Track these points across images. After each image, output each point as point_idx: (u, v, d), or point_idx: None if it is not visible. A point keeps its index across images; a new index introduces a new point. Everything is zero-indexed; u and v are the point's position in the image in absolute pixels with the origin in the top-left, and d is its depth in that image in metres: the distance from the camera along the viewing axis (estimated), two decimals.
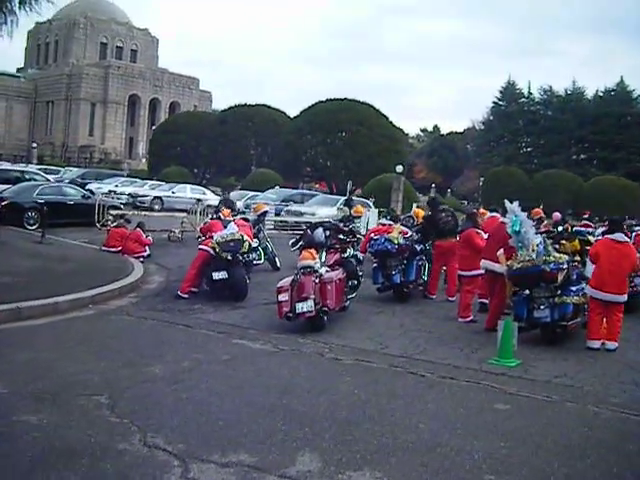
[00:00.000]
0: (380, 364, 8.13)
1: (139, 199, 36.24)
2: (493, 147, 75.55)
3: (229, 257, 12.07)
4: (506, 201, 9.89)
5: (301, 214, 28.26)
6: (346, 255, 11.90)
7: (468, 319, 11.20)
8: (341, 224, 13.06)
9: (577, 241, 12.12)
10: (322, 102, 45.61)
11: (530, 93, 76.56)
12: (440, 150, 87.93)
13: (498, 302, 10.36)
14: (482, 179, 61.74)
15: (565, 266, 9.46)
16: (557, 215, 18.07)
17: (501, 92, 78.15)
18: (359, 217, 17.50)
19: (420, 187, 67.86)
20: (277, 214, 28.06)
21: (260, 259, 16.01)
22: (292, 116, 48.84)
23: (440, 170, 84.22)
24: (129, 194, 37.04)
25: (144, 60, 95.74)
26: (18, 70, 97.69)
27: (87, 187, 40.96)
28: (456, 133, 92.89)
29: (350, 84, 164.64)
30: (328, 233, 11.66)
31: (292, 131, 45.11)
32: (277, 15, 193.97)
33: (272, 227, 24.15)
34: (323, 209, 29.02)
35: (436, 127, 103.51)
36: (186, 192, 37.55)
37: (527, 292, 9.68)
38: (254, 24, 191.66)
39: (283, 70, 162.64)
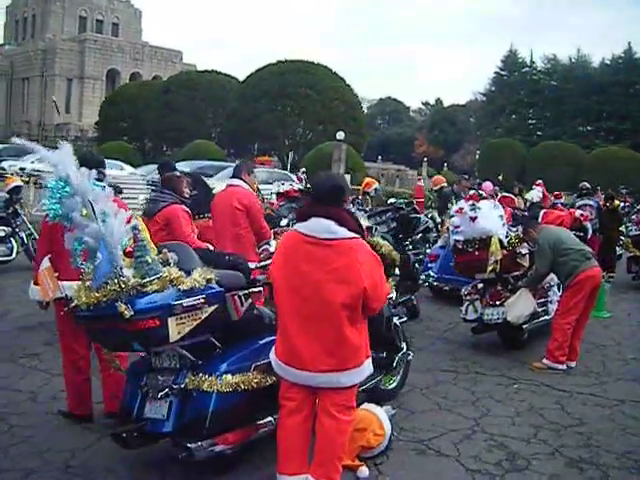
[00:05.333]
0: None
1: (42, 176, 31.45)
2: (495, 119, 69.64)
3: None
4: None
5: None
6: None
7: None
8: None
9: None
10: (272, 65, 39.44)
11: (533, 62, 70.58)
12: (441, 123, 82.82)
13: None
14: (478, 152, 56.23)
15: (200, 298, 3.72)
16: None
17: (503, 62, 72.23)
18: None
19: (420, 162, 63.10)
20: None
21: (11, 254, 11.75)
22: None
23: (441, 144, 79.34)
24: (32, 170, 32.65)
25: (127, 34, 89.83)
26: None
27: (0, 165, 36.52)
28: (458, 106, 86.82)
29: (356, 60, 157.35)
30: None
31: (237, 98, 39.17)
32: None
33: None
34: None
35: (438, 100, 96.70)
36: None
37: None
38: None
39: (291, 48, 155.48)
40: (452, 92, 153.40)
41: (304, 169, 26.33)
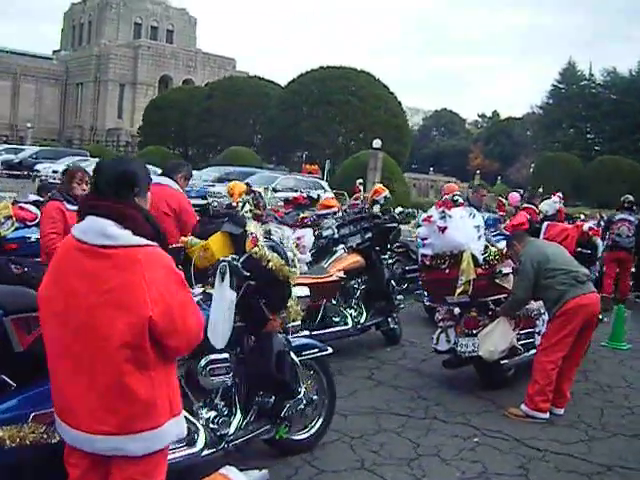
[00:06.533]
0: None
1: None
2: (551, 132, 67.67)
3: None
4: None
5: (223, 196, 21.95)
6: None
7: None
8: None
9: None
10: (314, 70, 38.42)
11: (592, 75, 68.35)
12: (497, 136, 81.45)
13: None
14: (532, 165, 54.62)
15: None
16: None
17: (561, 74, 70.18)
18: None
19: (473, 174, 61.54)
20: (203, 197, 21.86)
21: None
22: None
23: (496, 157, 77.88)
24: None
25: (181, 41, 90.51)
26: (54, 53, 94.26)
27: (35, 167, 36.59)
28: (514, 119, 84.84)
29: (413, 71, 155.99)
30: None
31: (277, 105, 38.30)
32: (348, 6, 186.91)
33: None
34: None
35: (495, 113, 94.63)
36: None
37: None
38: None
39: (350, 55, 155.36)
40: (509, 105, 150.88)
41: (361, 180, 25.27)
